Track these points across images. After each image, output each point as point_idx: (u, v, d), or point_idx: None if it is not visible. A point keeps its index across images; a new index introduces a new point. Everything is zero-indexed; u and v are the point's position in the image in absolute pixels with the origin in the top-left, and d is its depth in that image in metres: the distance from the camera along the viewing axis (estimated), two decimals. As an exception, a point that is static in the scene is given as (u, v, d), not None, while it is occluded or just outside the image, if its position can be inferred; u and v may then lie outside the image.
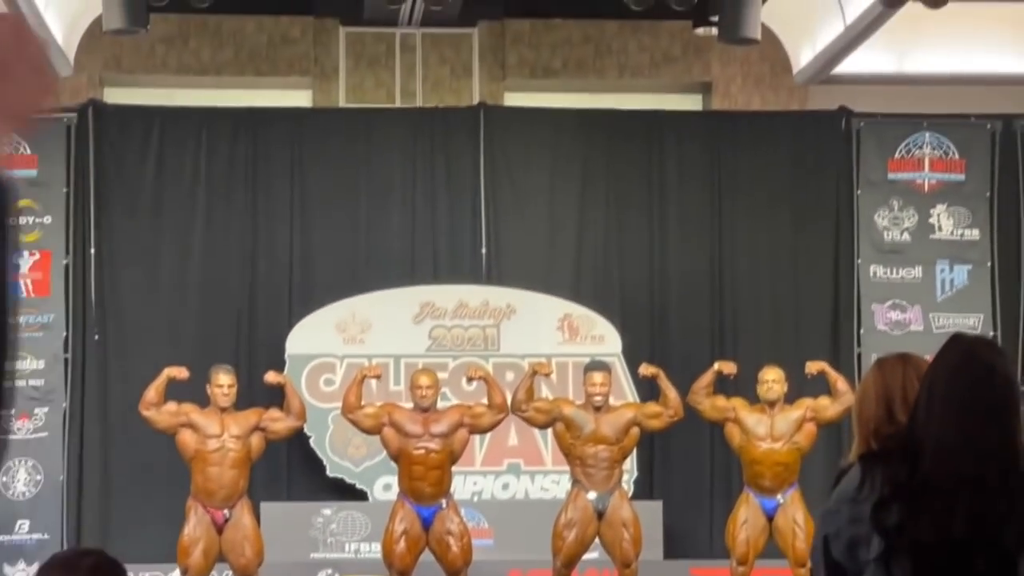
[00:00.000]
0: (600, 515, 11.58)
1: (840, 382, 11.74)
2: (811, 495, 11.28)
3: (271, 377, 11.78)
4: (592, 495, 11.59)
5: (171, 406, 11.45)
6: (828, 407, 11.69)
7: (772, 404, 11.72)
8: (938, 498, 3.38)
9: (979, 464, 3.40)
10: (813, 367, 11.93)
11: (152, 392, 11.44)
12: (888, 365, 3.94)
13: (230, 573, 11.93)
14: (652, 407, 11.80)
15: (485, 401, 11.68)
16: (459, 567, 11.34)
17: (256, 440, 11.52)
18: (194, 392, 11.71)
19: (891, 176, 14.37)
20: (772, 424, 11.67)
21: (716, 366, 11.92)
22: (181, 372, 11.58)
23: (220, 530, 11.35)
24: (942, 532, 3.35)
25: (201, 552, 11.29)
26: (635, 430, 11.72)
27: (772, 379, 11.76)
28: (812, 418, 11.70)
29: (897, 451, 3.49)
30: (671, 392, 11.67)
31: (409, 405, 11.72)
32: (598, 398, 11.65)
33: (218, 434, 11.42)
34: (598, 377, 11.68)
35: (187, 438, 11.44)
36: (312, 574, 12.65)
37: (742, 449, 11.72)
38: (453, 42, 14.86)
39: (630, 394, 13.72)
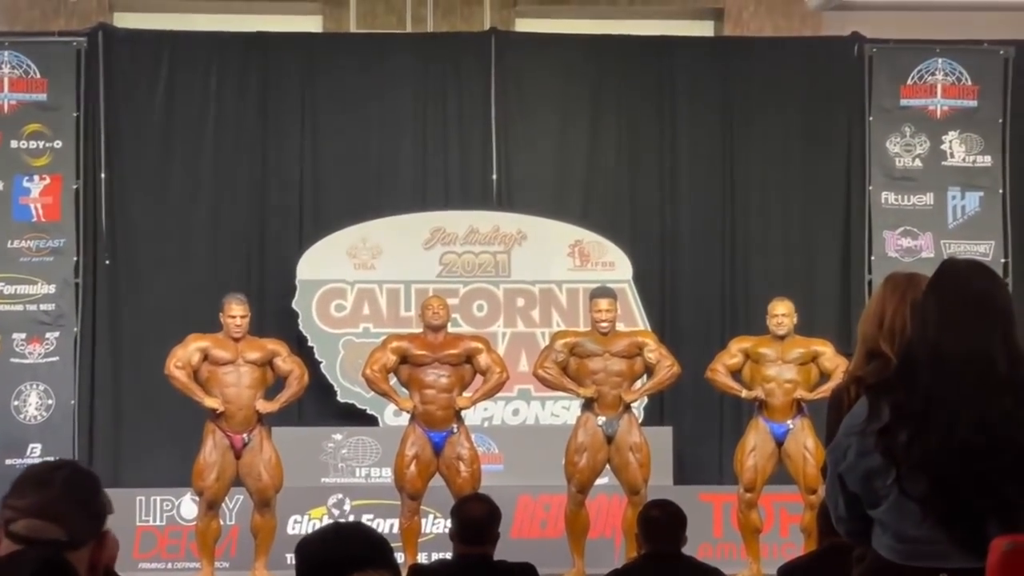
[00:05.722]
0: (609, 440, 11.62)
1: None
2: (820, 421, 11.27)
3: (262, 407, 11.40)
4: (601, 419, 11.62)
5: (189, 360, 11.37)
6: (827, 363, 11.61)
7: (782, 338, 11.69)
8: (942, 408, 3.36)
9: (979, 368, 3.39)
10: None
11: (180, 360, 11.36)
12: (890, 287, 3.92)
13: (241, 497, 12.00)
14: (655, 355, 11.74)
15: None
16: (468, 492, 11.40)
17: (268, 372, 11.54)
18: (207, 324, 11.75)
19: (903, 102, 14.28)
20: (782, 350, 11.67)
21: (743, 394, 11.73)
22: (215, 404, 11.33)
23: (238, 455, 11.37)
24: (951, 440, 3.34)
25: (216, 475, 11.33)
26: (640, 360, 11.74)
27: (782, 313, 11.71)
28: (814, 359, 11.67)
29: (897, 376, 3.49)
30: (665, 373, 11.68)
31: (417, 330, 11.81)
32: (604, 324, 11.66)
33: (232, 359, 11.43)
34: (603, 304, 11.68)
35: (203, 368, 11.44)
36: (323, 499, 12.71)
37: (753, 372, 11.71)
38: (464, -33, 14.76)
39: (641, 321, 13.73)
